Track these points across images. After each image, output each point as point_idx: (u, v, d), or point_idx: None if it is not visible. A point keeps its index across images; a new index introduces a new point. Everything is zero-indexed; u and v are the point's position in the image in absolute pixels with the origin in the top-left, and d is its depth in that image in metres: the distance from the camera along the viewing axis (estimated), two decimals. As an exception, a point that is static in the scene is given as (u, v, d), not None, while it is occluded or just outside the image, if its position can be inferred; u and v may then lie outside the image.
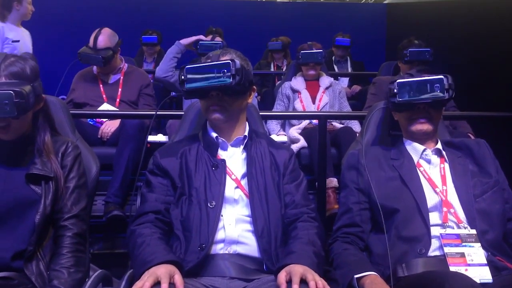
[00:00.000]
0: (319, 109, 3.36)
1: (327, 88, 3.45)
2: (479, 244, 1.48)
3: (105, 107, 2.95)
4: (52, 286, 1.35)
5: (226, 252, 1.44)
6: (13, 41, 3.54)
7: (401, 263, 1.48)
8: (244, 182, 1.54)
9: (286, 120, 3.40)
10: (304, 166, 2.97)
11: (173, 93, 3.58)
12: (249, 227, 1.48)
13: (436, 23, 5.04)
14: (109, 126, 2.83)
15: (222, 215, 1.47)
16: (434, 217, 1.54)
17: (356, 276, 1.41)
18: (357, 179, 1.66)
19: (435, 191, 1.58)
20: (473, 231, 1.50)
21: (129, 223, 1.52)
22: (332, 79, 3.57)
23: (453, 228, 1.52)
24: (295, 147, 3.03)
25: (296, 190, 1.57)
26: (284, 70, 4.83)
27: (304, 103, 3.38)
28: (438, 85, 1.60)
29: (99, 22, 3.16)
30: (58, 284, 1.36)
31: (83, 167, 1.58)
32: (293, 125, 3.31)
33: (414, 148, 1.68)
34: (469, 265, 1.44)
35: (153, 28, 5.20)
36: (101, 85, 3.05)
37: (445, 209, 1.54)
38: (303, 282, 1.20)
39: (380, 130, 1.85)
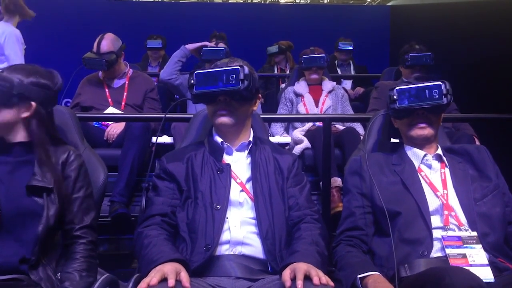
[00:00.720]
0: (322, 112, 3.37)
1: (329, 92, 3.48)
2: (480, 246, 1.50)
3: (111, 110, 2.99)
4: (64, 287, 1.38)
5: (231, 253, 1.46)
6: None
7: (404, 264, 1.50)
8: (248, 186, 1.57)
9: (289, 123, 3.42)
10: (308, 166, 3.00)
11: (177, 96, 3.62)
12: (254, 229, 1.50)
13: (439, 25, 5.04)
14: (115, 128, 2.86)
15: (227, 217, 1.50)
16: (435, 220, 1.56)
17: (359, 276, 1.43)
18: (360, 184, 1.69)
19: (436, 195, 1.60)
20: (474, 233, 1.53)
21: (136, 226, 1.55)
22: (334, 83, 3.60)
23: (455, 231, 1.54)
24: (298, 148, 3.05)
25: (300, 193, 1.60)
26: (287, 72, 4.85)
27: (307, 106, 3.41)
28: (436, 90, 1.64)
29: (104, 28, 3.19)
30: (69, 286, 1.38)
31: (88, 175, 1.59)
32: (296, 128, 3.32)
33: (415, 154, 1.71)
34: (471, 265, 1.45)
35: (158, 33, 5.24)
36: (106, 89, 3.09)
37: (446, 212, 1.57)
38: (307, 278, 1.23)
39: (381, 136, 1.90)
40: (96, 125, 2.94)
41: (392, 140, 1.86)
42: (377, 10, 7.33)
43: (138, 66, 4.39)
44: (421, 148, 1.71)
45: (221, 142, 1.63)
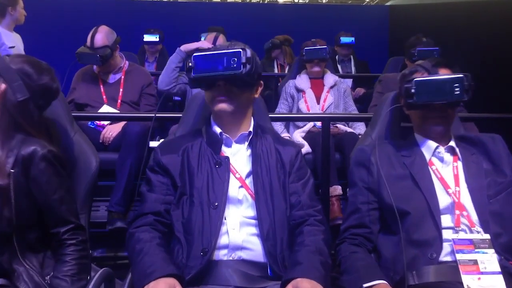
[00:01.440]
0: (323, 110, 3.31)
1: (331, 87, 3.41)
2: (492, 250, 1.42)
3: (105, 109, 2.91)
4: None
5: (230, 258, 1.39)
6: (9, 47, 3.54)
7: (412, 270, 1.43)
8: (248, 181, 1.49)
9: (290, 122, 3.36)
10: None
11: (177, 97, 3.55)
12: (253, 230, 1.43)
13: (438, 24, 5.02)
14: (111, 131, 2.78)
15: (225, 218, 1.42)
16: (446, 220, 1.48)
17: (365, 285, 1.36)
18: (367, 178, 1.60)
19: (448, 192, 1.52)
20: (487, 236, 1.45)
21: (128, 225, 1.49)
22: (336, 77, 3.52)
23: (466, 233, 1.46)
24: (299, 152, 2.99)
25: (303, 190, 1.52)
26: (287, 71, 4.80)
27: (308, 103, 3.34)
28: (458, 85, 1.50)
29: (100, 21, 3.12)
30: None
31: (64, 171, 1.46)
32: (297, 126, 3.26)
33: (426, 145, 1.61)
34: (482, 273, 1.39)
35: (155, 27, 5.18)
36: (101, 85, 3.01)
37: (457, 212, 1.49)
38: None
39: (390, 120, 1.78)
40: (91, 126, 2.85)
41: (402, 124, 1.76)
42: (376, 10, 7.31)
43: (136, 57, 4.32)
44: (433, 139, 1.61)
45: (220, 132, 1.53)
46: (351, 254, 1.51)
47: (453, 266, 1.42)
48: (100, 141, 2.76)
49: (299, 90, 3.42)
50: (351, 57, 5.24)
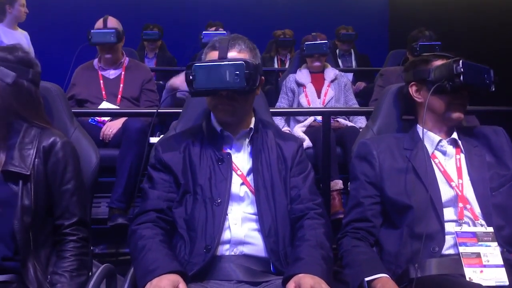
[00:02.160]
0: (324, 104, 3.29)
1: (332, 81, 3.39)
2: (495, 243, 1.42)
3: (105, 105, 2.90)
4: None
5: (232, 253, 1.39)
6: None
7: (414, 263, 1.42)
8: (250, 178, 1.48)
9: (291, 116, 3.34)
10: (309, 166, 2.94)
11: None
12: (255, 226, 1.42)
13: (438, 16, 5.00)
14: (111, 128, 2.76)
15: (227, 214, 1.41)
16: (449, 213, 1.47)
17: (367, 279, 1.36)
18: (368, 172, 1.59)
19: (451, 185, 1.51)
20: (490, 229, 1.44)
21: (130, 222, 1.48)
22: (337, 71, 3.50)
23: (469, 225, 1.46)
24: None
25: (303, 183, 1.51)
26: (287, 65, 4.78)
27: (309, 97, 3.32)
28: (487, 75, 1.56)
29: (99, 15, 3.11)
30: None
31: (78, 164, 1.48)
32: (298, 121, 3.25)
33: (429, 138, 1.60)
34: (484, 266, 1.38)
35: (154, 22, 5.16)
36: (101, 81, 3.00)
37: (460, 204, 1.48)
38: None
39: (392, 115, 1.76)
40: (91, 122, 2.83)
41: (404, 116, 1.75)
42: (376, 2, 7.25)
43: (136, 53, 4.31)
44: (435, 132, 1.60)
45: (220, 130, 1.52)
46: (353, 248, 1.50)
47: (456, 259, 1.41)
48: (100, 138, 2.75)
49: (299, 85, 3.40)
50: (352, 51, 5.22)
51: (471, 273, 1.37)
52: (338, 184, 2.78)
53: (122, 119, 2.76)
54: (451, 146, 1.60)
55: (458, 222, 1.46)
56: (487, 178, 1.52)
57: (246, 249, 1.40)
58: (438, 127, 1.61)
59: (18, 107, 1.42)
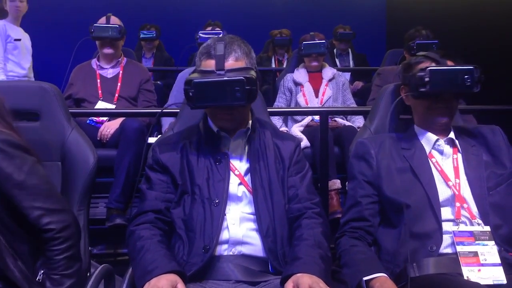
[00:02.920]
0: (322, 103, 3.29)
1: (330, 80, 3.39)
2: (493, 242, 1.42)
3: (100, 104, 2.89)
4: None
5: (231, 253, 1.39)
6: (15, 40, 3.57)
7: (412, 262, 1.42)
8: (247, 178, 1.49)
9: (288, 116, 3.35)
10: (307, 166, 2.94)
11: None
12: (253, 225, 1.43)
13: (435, 16, 4.99)
14: (108, 128, 2.75)
15: (225, 214, 1.42)
16: (446, 212, 1.48)
17: (365, 278, 1.36)
18: (366, 171, 1.59)
19: (448, 185, 1.52)
20: (487, 228, 1.45)
21: (128, 223, 1.48)
22: (335, 70, 3.50)
23: (466, 225, 1.46)
24: (298, 147, 2.98)
25: (301, 183, 1.51)
26: (285, 65, 4.78)
27: (306, 97, 3.32)
28: (469, 76, 1.50)
29: (97, 16, 3.11)
30: None
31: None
32: (295, 120, 3.25)
33: (426, 138, 1.60)
34: (482, 265, 1.39)
35: (152, 22, 5.15)
36: (98, 80, 3.00)
37: (458, 204, 1.48)
38: None
39: (389, 115, 1.75)
40: (89, 123, 2.83)
41: (401, 116, 1.75)
42: (373, 2, 7.25)
43: (133, 53, 4.31)
44: (433, 131, 1.60)
45: (217, 130, 1.52)
46: (351, 248, 1.50)
47: (453, 258, 1.42)
48: (98, 138, 2.74)
49: (297, 84, 3.40)
50: (349, 50, 5.22)
51: (468, 272, 1.37)
52: (336, 183, 2.78)
53: (120, 119, 2.76)
54: (448, 146, 1.60)
55: (455, 221, 1.47)
56: (484, 177, 1.52)
57: (244, 249, 1.40)
58: (431, 128, 1.61)
59: None
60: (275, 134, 1.59)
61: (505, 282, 1.35)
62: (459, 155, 1.58)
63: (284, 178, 1.50)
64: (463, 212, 1.48)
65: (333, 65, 4.51)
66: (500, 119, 3.05)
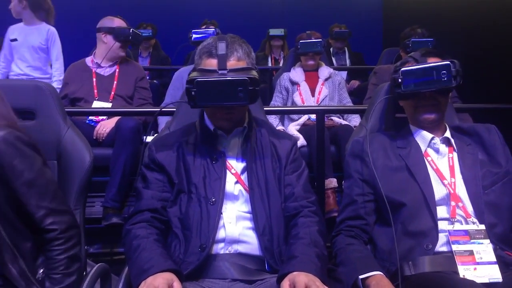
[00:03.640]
0: (318, 102, 3.30)
1: (326, 79, 3.39)
2: (488, 241, 1.43)
3: (96, 104, 2.89)
4: None
5: (227, 252, 1.39)
6: (11, 40, 3.57)
7: (408, 261, 1.43)
8: (244, 177, 1.49)
9: (285, 114, 3.34)
10: (303, 164, 2.94)
11: None
12: (250, 224, 1.43)
13: (433, 14, 5.00)
14: (104, 127, 2.74)
15: (222, 212, 1.42)
16: (441, 211, 1.49)
17: (361, 276, 1.37)
18: (362, 170, 1.60)
19: (443, 183, 1.52)
20: (482, 227, 1.45)
21: (124, 222, 1.48)
22: (331, 69, 3.51)
23: (461, 224, 1.47)
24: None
25: (297, 181, 1.51)
26: (281, 64, 4.78)
27: (303, 96, 3.33)
28: (445, 71, 1.50)
29: (94, 16, 3.11)
30: None
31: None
32: (292, 119, 3.25)
33: (421, 136, 1.61)
34: (478, 263, 1.39)
35: (149, 21, 5.14)
36: (94, 79, 2.99)
37: (453, 203, 1.49)
38: None
39: (385, 114, 1.77)
40: (88, 122, 2.82)
41: (397, 115, 1.75)
42: (370, 0, 7.25)
43: (129, 51, 4.31)
44: (428, 130, 1.61)
45: (214, 128, 1.52)
46: (347, 246, 1.51)
47: (449, 257, 1.42)
48: (94, 137, 2.74)
49: (293, 83, 3.40)
50: (346, 49, 5.22)
51: (464, 271, 1.38)
52: (332, 182, 2.79)
53: (116, 118, 2.75)
54: (444, 145, 1.61)
55: (451, 220, 1.47)
56: (480, 176, 1.53)
57: (240, 248, 1.40)
58: (423, 126, 1.62)
59: None
60: (272, 133, 1.59)
61: (501, 280, 1.36)
62: (455, 154, 1.59)
63: (281, 176, 1.50)
64: (458, 211, 1.48)
65: (330, 64, 4.51)
66: (496, 118, 3.08)
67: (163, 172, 1.49)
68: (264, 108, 1.86)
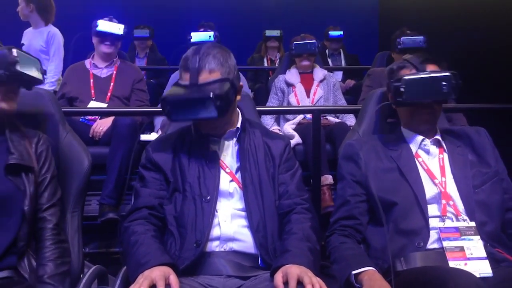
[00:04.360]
0: (313, 103, 3.33)
1: (321, 81, 3.42)
2: (478, 237, 1.46)
3: (93, 104, 2.90)
4: (43, 282, 1.34)
5: (222, 249, 1.42)
6: (21, 45, 3.60)
7: (400, 257, 1.46)
8: (238, 175, 1.51)
9: (280, 115, 3.37)
10: (299, 162, 2.93)
11: None
12: (244, 222, 1.45)
13: (429, 14, 5.01)
14: (101, 126, 2.76)
15: (217, 210, 1.44)
16: (432, 209, 1.51)
17: (353, 272, 1.39)
18: (354, 171, 1.63)
19: (434, 183, 1.55)
20: (472, 224, 1.48)
21: (122, 219, 1.50)
22: (326, 71, 3.54)
23: (452, 221, 1.50)
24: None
25: (291, 180, 1.54)
26: (277, 64, 4.80)
27: (298, 97, 3.36)
28: (445, 83, 1.52)
29: (92, 16, 3.12)
30: (48, 280, 1.35)
31: (53, 159, 1.54)
32: (287, 120, 3.28)
33: (412, 139, 1.65)
34: (468, 259, 1.42)
35: (145, 23, 5.16)
36: (91, 80, 3.01)
37: (444, 201, 1.52)
38: (300, 284, 1.20)
39: (377, 118, 1.80)
40: (82, 121, 2.84)
41: (389, 119, 1.78)
42: (365, 2, 7.27)
43: (126, 55, 4.32)
44: (420, 133, 1.64)
45: (206, 133, 1.55)
46: (341, 245, 1.53)
47: (440, 253, 1.45)
48: (90, 135, 2.76)
49: (289, 85, 3.43)
50: (341, 51, 5.25)
51: (455, 266, 1.40)
52: (328, 179, 2.82)
53: (113, 117, 2.77)
54: (434, 146, 1.64)
55: (442, 218, 1.50)
56: (470, 176, 1.56)
57: (235, 246, 1.42)
58: (416, 130, 1.65)
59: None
60: (265, 134, 1.62)
61: (491, 274, 1.38)
62: (445, 155, 1.62)
63: (275, 175, 1.53)
64: (449, 208, 1.51)
65: (325, 65, 4.54)
66: (490, 118, 3.11)
67: (159, 171, 1.52)
68: (260, 108, 1.88)
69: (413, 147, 1.63)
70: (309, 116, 3.11)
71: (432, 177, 1.56)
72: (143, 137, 2.62)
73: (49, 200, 1.46)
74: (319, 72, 3.47)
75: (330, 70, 4.76)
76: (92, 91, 2.97)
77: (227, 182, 1.49)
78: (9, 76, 1.37)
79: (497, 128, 1.73)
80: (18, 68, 1.38)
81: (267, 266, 1.39)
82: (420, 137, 1.63)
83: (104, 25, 3.00)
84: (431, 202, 1.52)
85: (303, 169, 2.88)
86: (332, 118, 3.24)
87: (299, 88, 3.39)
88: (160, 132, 2.80)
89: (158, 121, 3.07)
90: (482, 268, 1.40)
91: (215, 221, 1.43)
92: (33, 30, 3.66)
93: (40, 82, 1.53)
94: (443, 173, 1.57)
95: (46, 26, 3.65)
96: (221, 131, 1.54)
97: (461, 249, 1.43)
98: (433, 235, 1.48)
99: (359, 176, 1.61)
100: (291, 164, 1.58)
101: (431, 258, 1.43)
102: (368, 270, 1.38)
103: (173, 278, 1.22)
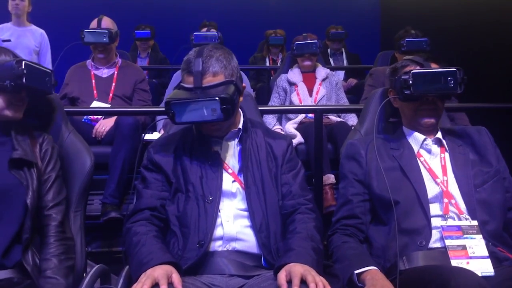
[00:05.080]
0: (316, 102, 3.33)
1: (323, 80, 3.42)
2: (480, 236, 1.46)
3: (95, 104, 2.91)
4: (46, 276, 1.35)
5: (225, 249, 1.42)
6: (3, 41, 3.57)
7: (402, 256, 1.46)
8: (241, 176, 1.52)
9: (282, 114, 3.37)
10: (301, 162, 2.95)
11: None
12: (247, 222, 1.46)
13: (430, 14, 5.02)
14: (104, 125, 2.78)
15: (220, 210, 1.44)
16: (434, 208, 1.52)
17: (356, 271, 1.39)
18: (356, 170, 1.63)
19: (436, 182, 1.56)
20: (475, 222, 1.48)
21: (124, 221, 1.50)
22: (328, 70, 3.54)
23: (454, 219, 1.50)
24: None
25: (294, 180, 1.54)
26: (279, 64, 4.80)
27: (300, 96, 3.36)
28: (451, 78, 1.55)
29: (91, 16, 3.12)
30: (51, 274, 1.36)
31: (59, 160, 1.57)
32: (289, 119, 3.28)
33: (414, 138, 1.65)
34: (470, 257, 1.42)
35: (147, 23, 5.16)
36: (93, 80, 3.02)
37: (446, 200, 1.52)
38: (303, 282, 1.20)
39: (378, 118, 1.80)
40: (84, 121, 2.85)
41: (390, 119, 1.79)
42: (367, 1, 7.27)
43: (128, 55, 4.32)
44: (421, 132, 1.64)
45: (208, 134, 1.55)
46: (343, 244, 1.53)
47: (442, 252, 1.45)
48: (93, 135, 2.77)
49: (291, 84, 3.43)
50: (343, 50, 5.25)
51: (457, 265, 1.40)
52: (330, 178, 2.82)
53: (115, 117, 2.78)
54: (436, 145, 1.64)
55: (444, 216, 1.50)
56: (471, 175, 1.57)
57: (238, 245, 1.43)
58: (418, 129, 1.65)
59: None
60: (267, 134, 1.62)
61: (493, 273, 1.39)
62: (447, 154, 1.62)
63: (277, 175, 1.53)
64: (451, 207, 1.52)
65: (327, 64, 4.54)
66: (492, 117, 3.11)
67: (161, 172, 1.52)
68: (262, 108, 1.89)
69: (415, 146, 1.64)
70: (310, 115, 3.11)
71: (433, 176, 1.57)
72: (147, 136, 2.63)
73: (54, 199, 1.48)
74: (321, 71, 3.48)
75: (332, 69, 4.77)
76: (95, 91, 2.98)
77: (230, 183, 1.49)
78: (15, 87, 1.41)
79: (500, 127, 1.73)
80: (24, 80, 1.41)
81: (270, 266, 1.39)
82: (422, 137, 1.64)
83: (89, 37, 2.98)
84: (433, 201, 1.53)
85: (305, 168, 2.90)
86: (333, 117, 3.24)
87: (302, 87, 3.39)
88: (162, 132, 2.80)
89: (160, 120, 3.07)
90: (484, 267, 1.40)
91: (218, 221, 1.43)
92: (16, 27, 3.64)
93: (49, 93, 1.58)
94: (444, 172, 1.58)
95: (30, 25, 3.64)
96: (225, 131, 1.54)
97: (463, 247, 1.44)
98: (435, 234, 1.48)
99: (361, 175, 1.62)
100: (294, 164, 1.59)
101: (433, 257, 1.44)
102: (371, 270, 1.39)
103: (176, 277, 1.23)
